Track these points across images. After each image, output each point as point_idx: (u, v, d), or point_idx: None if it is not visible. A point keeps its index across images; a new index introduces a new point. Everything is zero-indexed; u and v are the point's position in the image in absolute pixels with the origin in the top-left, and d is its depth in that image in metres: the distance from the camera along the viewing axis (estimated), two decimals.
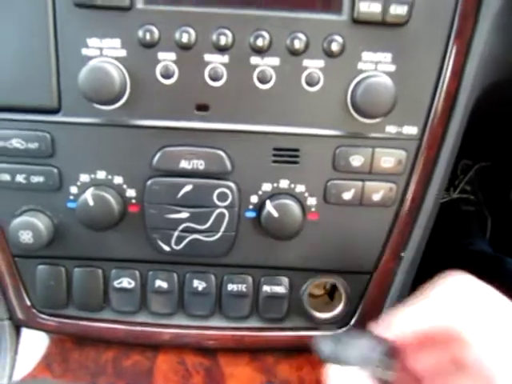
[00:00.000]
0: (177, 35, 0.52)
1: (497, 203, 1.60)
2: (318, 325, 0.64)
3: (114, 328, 0.64)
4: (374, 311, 0.65)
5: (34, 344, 0.67)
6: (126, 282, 0.62)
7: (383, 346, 0.43)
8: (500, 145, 1.55)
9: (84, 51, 0.53)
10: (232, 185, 0.57)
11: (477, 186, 1.65)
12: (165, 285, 0.62)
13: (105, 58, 0.53)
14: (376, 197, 0.58)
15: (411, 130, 0.57)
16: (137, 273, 0.62)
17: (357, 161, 0.57)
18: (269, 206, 0.57)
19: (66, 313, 0.64)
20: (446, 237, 1.48)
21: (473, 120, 0.61)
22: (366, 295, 0.64)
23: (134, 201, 0.58)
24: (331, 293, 0.67)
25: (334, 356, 0.43)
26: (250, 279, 0.62)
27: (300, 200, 0.58)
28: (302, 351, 0.65)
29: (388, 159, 0.57)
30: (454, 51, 0.55)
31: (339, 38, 0.53)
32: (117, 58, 0.53)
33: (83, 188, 0.57)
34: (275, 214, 0.56)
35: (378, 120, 0.55)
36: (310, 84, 0.54)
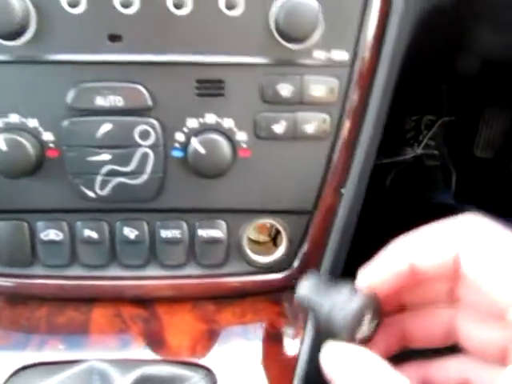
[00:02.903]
0: None
1: (461, 157, 1.59)
2: (258, 269, 0.62)
3: (45, 283, 0.61)
4: (317, 253, 0.62)
5: None
6: (54, 234, 0.59)
7: (360, 298, 0.37)
8: (463, 99, 1.53)
9: None
10: (154, 122, 0.54)
11: (441, 141, 1.63)
12: (94, 235, 0.59)
13: None
14: (309, 129, 0.55)
15: (341, 56, 0.54)
16: (64, 224, 0.59)
17: (286, 90, 0.54)
18: (195, 143, 0.53)
19: None
20: (411, 191, 1.47)
21: (418, 57, 0.58)
22: (307, 236, 0.61)
23: (52, 145, 0.55)
24: (276, 239, 0.65)
25: (306, 299, 0.40)
26: (184, 224, 0.59)
27: (228, 135, 0.55)
28: (244, 297, 0.63)
29: (319, 87, 0.54)
30: None
31: None
32: None
33: None
34: (202, 150, 0.53)
35: (304, 45, 0.52)
36: (229, 7, 0.51)
